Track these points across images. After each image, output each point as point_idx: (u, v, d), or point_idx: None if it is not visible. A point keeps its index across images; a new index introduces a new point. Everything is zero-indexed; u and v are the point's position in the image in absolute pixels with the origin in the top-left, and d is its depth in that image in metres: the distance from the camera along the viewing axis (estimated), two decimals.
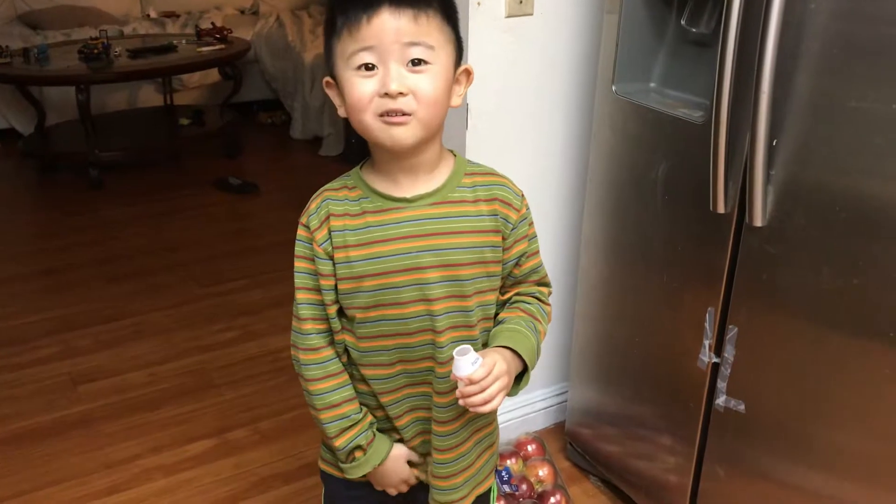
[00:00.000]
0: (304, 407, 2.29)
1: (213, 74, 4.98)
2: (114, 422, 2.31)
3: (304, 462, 2.14)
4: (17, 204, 4.15)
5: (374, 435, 1.22)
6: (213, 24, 4.95)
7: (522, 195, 1.19)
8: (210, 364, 2.59)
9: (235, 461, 2.15)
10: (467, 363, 1.06)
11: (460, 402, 1.08)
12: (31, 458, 2.16)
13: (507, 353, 1.14)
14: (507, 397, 1.13)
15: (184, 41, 4.61)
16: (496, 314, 1.22)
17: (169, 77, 4.77)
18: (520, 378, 1.18)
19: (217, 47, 4.51)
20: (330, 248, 1.13)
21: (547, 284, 1.26)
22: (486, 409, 1.08)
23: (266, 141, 5.05)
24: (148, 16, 5.56)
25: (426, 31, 1.03)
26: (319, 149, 4.67)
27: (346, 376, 1.20)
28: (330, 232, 1.12)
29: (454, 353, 1.06)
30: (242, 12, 5.85)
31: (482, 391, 1.07)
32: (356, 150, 4.22)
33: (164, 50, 4.39)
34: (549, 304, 1.26)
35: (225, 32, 4.70)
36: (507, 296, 1.23)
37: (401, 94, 1.02)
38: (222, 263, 3.30)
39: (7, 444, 2.22)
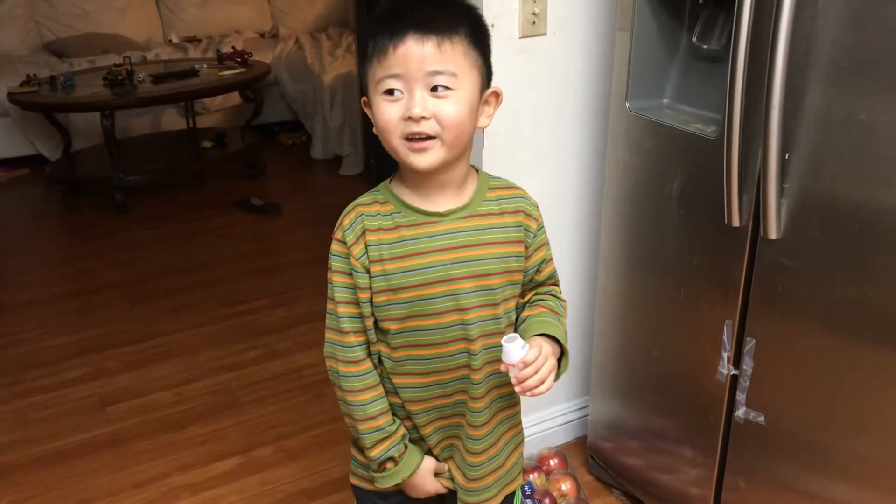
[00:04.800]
0: (328, 424, 2.35)
1: (234, 97, 5.06)
2: (142, 441, 2.34)
3: (329, 478, 2.16)
4: (45, 228, 4.23)
5: (406, 447, 1.26)
6: (233, 48, 5.03)
7: (537, 205, 1.25)
8: (235, 383, 2.62)
9: (261, 478, 2.17)
10: (517, 348, 1.10)
11: (517, 388, 1.12)
12: (61, 478, 2.20)
13: (545, 338, 1.19)
14: (533, 397, 1.16)
15: (205, 65, 4.68)
16: (517, 317, 1.27)
17: (191, 101, 4.84)
18: (558, 364, 1.22)
19: (238, 71, 4.58)
20: (367, 262, 1.16)
21: (558, 283, 1.32)
22: (542, 389, 1.12)
23: (287, 161, 5.10)
24: (170, 41, 5.66)
25: (450, 58, 1.07)
26: (340, 168, 4.72)
27: (381, 388, 1.23)
28: (366, 246, 1.16)
29: (503, 341, 1.10)
30: (262, 36, 5.94)
31: (536, 372, 1.11)
32: (376, 169, 4.26)
33: (187, 74, 4.47)
34: (564, 300, 1.31)
35: (245, 56, 4.77)
36: (526, 298, 1.28)
37: (423, 118, 1.07)
38: (246, 283, 3.34)
39: (37, 465, 2.26)
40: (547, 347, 1.15)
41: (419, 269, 1.16)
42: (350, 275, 1.18)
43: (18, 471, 2.23)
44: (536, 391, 1.12)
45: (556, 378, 1.21)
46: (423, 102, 1.07)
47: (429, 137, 1.08)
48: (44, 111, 4.40)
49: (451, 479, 1.30)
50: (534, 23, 1.78)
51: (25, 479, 2.20)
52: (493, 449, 1.29)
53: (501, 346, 1.11)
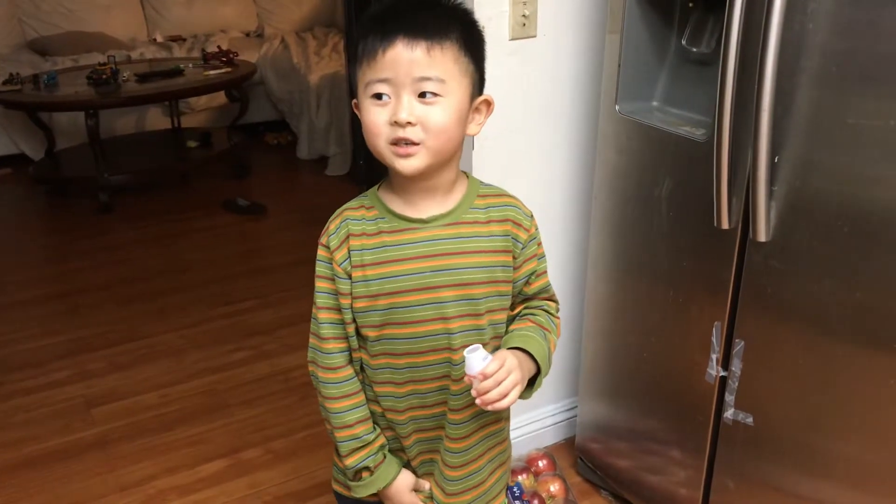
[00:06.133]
0: (315, 426, 2.35)
1: (219, 97, 5.03)
2: (128, 443, 2.33)
3: (316, 481, 2.15)
4: (29, 228, 4.20)
5: (384, 457, 1.24)
6: (218, 47, 5.00)
7: (531, 215, 1.22)
8: (222, 384, 2.61)
9: (248, 481, 2.17)
10: (478, 359, 1.08)
11: (477, 401, 1.09)
12: (46, 481, 2.18)
13: (519, 353, 1.16)
14: (521, 400, 1.15)
15: (190, 65, 4.66)
16: (506, 331, 1.24)
17: (176, 100, 4.81)
18: (532, 382, 1.20)
19: (223, 70, 4.56)
20: (349, 268, 1.16)
21: (555, 300, 1.29)
22: (504, 403, 1.09)
23: (273, 162, 5.08)
24: (154, 40, 5.62)
25: (439, 64, 1.05)
26: (326, 168, 4.71)
27: (362, 396, 1.22)
28: (349, 251, 1.16)
29: (465, 353, 1.08)
30: (248, 35, 5.91)
31: (497, 384, 1.08)
32: (363, 170, 4.25)
33: (172, 74, 4.44)
34: (558, 318, 1.29)
35: (231, 55, 4.74)
36: (516, 311, 1.26)
37: (409, 123, 1.05)
38: (232, 284, 3.33)
39: (23, 468, 2.24)
40: (512, 360, 1.10)
41: (397, 275, 1.14)
42: (333, 280, 1.17)
43: (2, 473, 2.21)
44: (497, 405, 1.09)
45: (529, 395, 1.19)
46: (410, 108, 1.05)
47: (413, 143, 1.07)
48: (27, 110, 4.36)
49: (431, 496, 1.28)
50: (524, 25, 1.78)
51: (10, 481, 2.18)
52: (475, 464, 1.26)
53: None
